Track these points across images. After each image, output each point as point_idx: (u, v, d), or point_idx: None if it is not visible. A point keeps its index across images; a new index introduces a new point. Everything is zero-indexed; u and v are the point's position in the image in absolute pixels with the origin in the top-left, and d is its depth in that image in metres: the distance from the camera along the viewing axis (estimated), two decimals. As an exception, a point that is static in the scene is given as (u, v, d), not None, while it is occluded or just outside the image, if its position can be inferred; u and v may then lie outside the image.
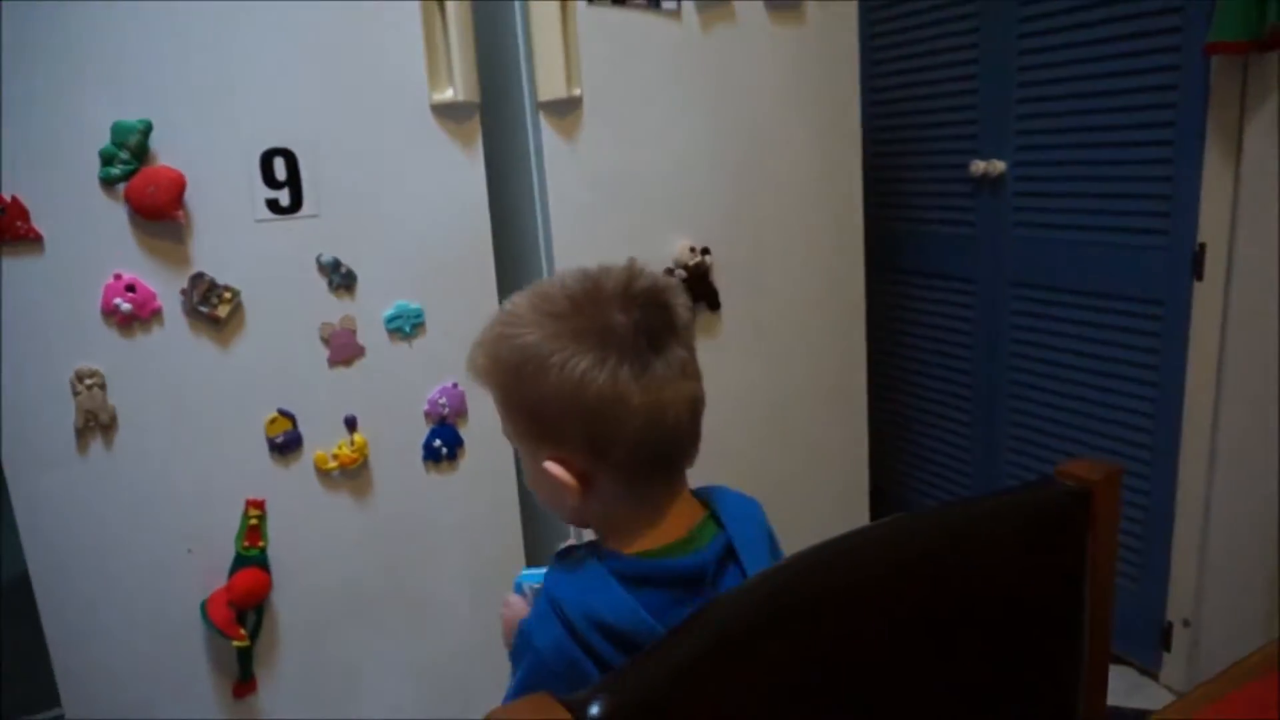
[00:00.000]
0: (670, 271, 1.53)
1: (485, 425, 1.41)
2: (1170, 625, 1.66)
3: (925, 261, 2.06)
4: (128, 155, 1.15)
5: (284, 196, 1.24)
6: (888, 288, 2.11)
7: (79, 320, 1.16)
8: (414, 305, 1.34)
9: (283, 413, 1.28)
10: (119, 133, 1.14)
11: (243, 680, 1.30)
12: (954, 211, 1.96)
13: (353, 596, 1.36)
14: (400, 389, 1.35)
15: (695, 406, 0.74)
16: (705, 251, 1.55)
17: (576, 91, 1.41)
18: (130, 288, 1.17)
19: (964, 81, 1.88)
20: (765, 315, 1.65)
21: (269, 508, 1.28)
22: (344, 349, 1.30)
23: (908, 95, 2.02)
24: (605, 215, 1.47)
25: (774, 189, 1.62)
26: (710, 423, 1.64)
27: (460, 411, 1.40)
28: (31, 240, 1.12)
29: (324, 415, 1.31)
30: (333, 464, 1.31)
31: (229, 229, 1.22)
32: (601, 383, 0.67)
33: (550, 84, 1.38)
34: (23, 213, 1.11)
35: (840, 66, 1.66)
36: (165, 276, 1.19)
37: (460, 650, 1.46)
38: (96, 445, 1.18)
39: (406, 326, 1.34)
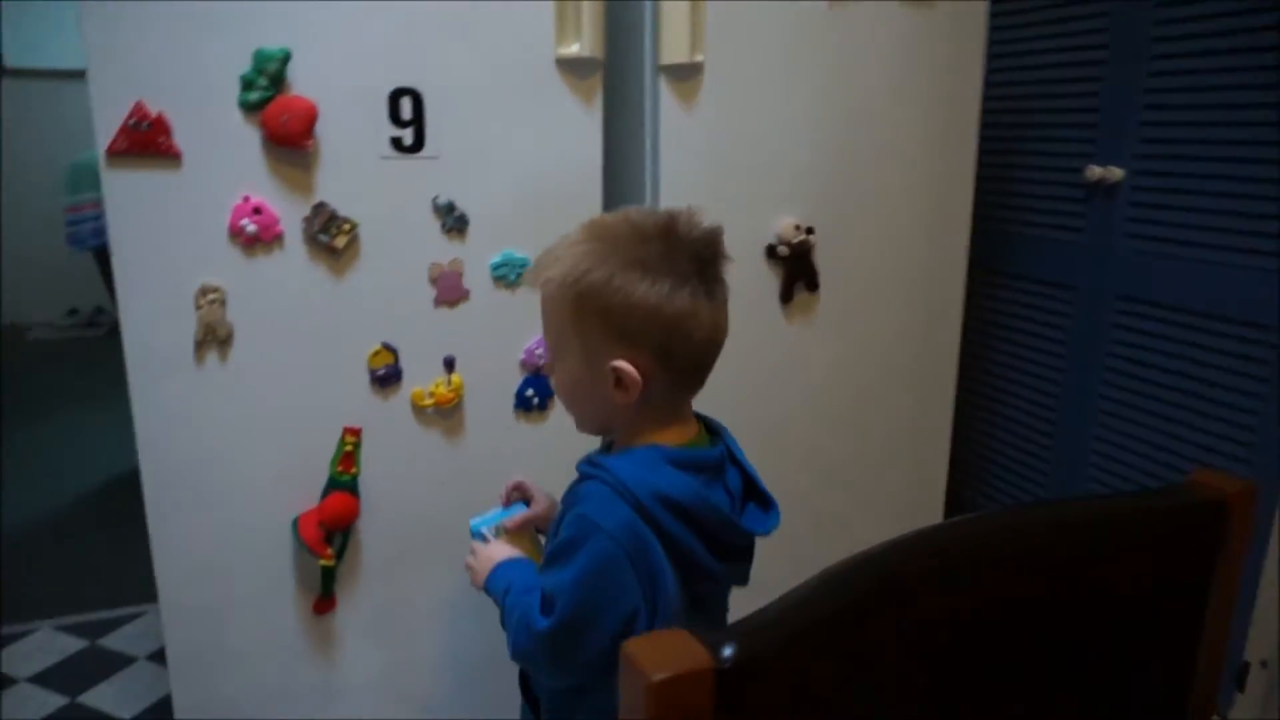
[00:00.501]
0: (772, 248, 1.53)
1: (576, 380, 1.43)
2: (1247, 665, 1.61)
3: (1025, 264, 2.01)
4: (266, 82, 1.18)
5: (408, 136, 1.27)
6: (984, 286, 2.07)
7: (207, 237, 1.20)
8: (521, 255, 1.36)
9: (386, 346, 1.31)
10: (260, 60, 1.17)
11: (323, 598, 1.35)
12: (1062, 216, 1.91)
13: (434, 532, 1.40)
14: (499, 336, 1.37)
15: (726, 333, 0.89)
16: (810, 231, 1.54)
17: (699, 57, 1.40)
18: (257, 210, 1.21)
19: (1088, 83, 1.82)
20: (863, 301, 1.63)
21: (365, 437, 1.32)
22: (450, 291, 1.33)
23: (1026, 92, 1.97)
24: (715, 184, 1.47)
25: (885, 175, 1.60)
26: (797, 403, 1.65)
27: (554, 364, 1.42)
28: (171, 157, 1.17)
29: (425, 353, 1.34)
30: (429, 401, 1.34)
31: (353, 163, 1.25)
32: (681, 301, 0.82)
33: (674, 47, 1.38)
34: (165, 129, 1.16)
35: (966, 57, 1.62)
36: (290, 203, 1.23)
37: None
38: (212, 358, 1.23)
39: (511, 275, 1.36)
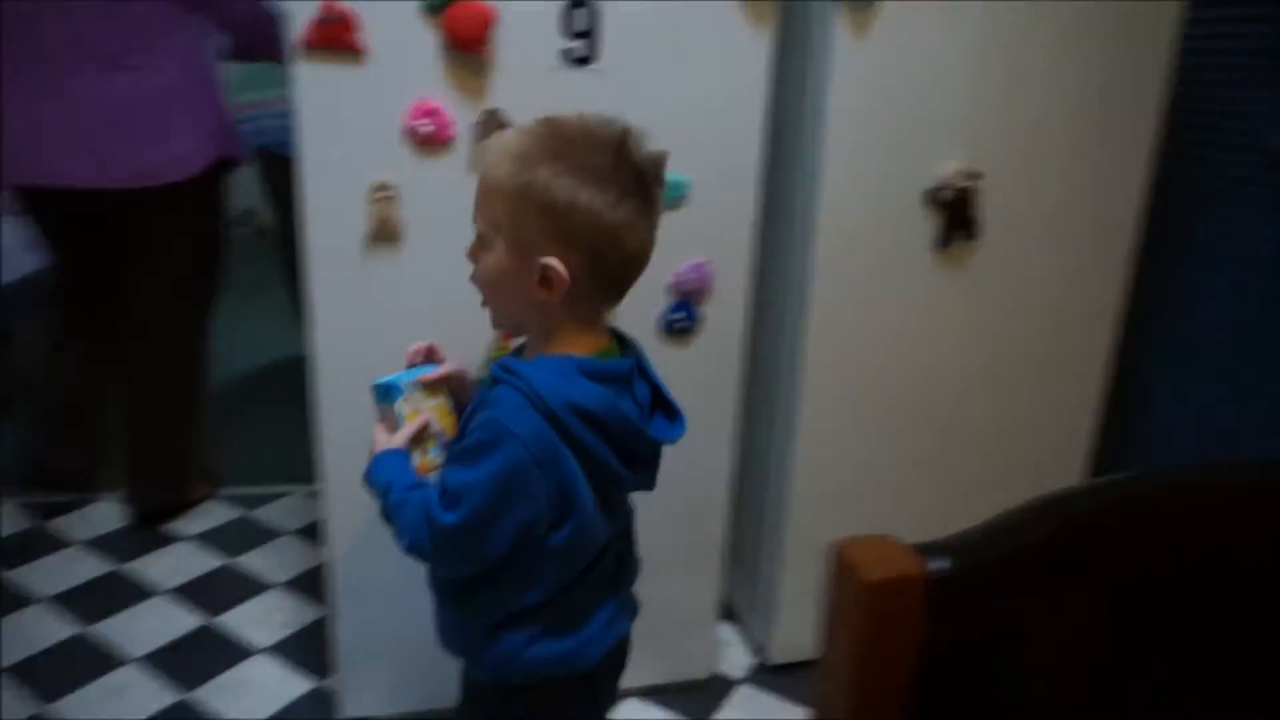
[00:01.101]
0: (932, 192, 1.47)
1: (726, 309, 1.43)
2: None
3: (1200, 234, 1.88)
4: (451, -16, 1.19)
5: (580, 48, 1.27)
6: (1151, 255, 1.95)
7: (383, 135, 1.23)
8: (681, 177, 1.35)
9: (542, 257, 1.33)
10: (447, -39, 1.18)
11: (463, 496, 1.41)
12: (1246, 184, 1.77)
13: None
14: (655, 256, 1.37)
15: (650, 254, 0.92)
16: (976, 176, 1.47)
17: (881, -15, 1.34)
18: (432, 112, 1.24)
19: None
20: (1022, 257, 1.56)
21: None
22: (608, 207, 1.33)
23: (1221, 64, 1.81)
24: (880, 120, 1.42)
25: (1060, 128, 1.51)
26: (942, 355, 1.60)
27: (704, 291, 1.41)
28: (354, 52, 1.20)
29: (578, 267, 1.35)
30: (578, 315, 1.36)
31: (525, 71, 1.25)
32: (623, 212, 0.85)
33: (856, -28, 1.33)
34: (350, 24, 1.19)
35: (1162, 12, 1.51)
36: (463, 106, 1.25)
37: (657, 520, 1.52)
38: (382, 252, 1.28)
39: (669, 198, 1.35)
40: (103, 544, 1.99)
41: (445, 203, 1.27)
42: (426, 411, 1.01)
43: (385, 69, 1.21)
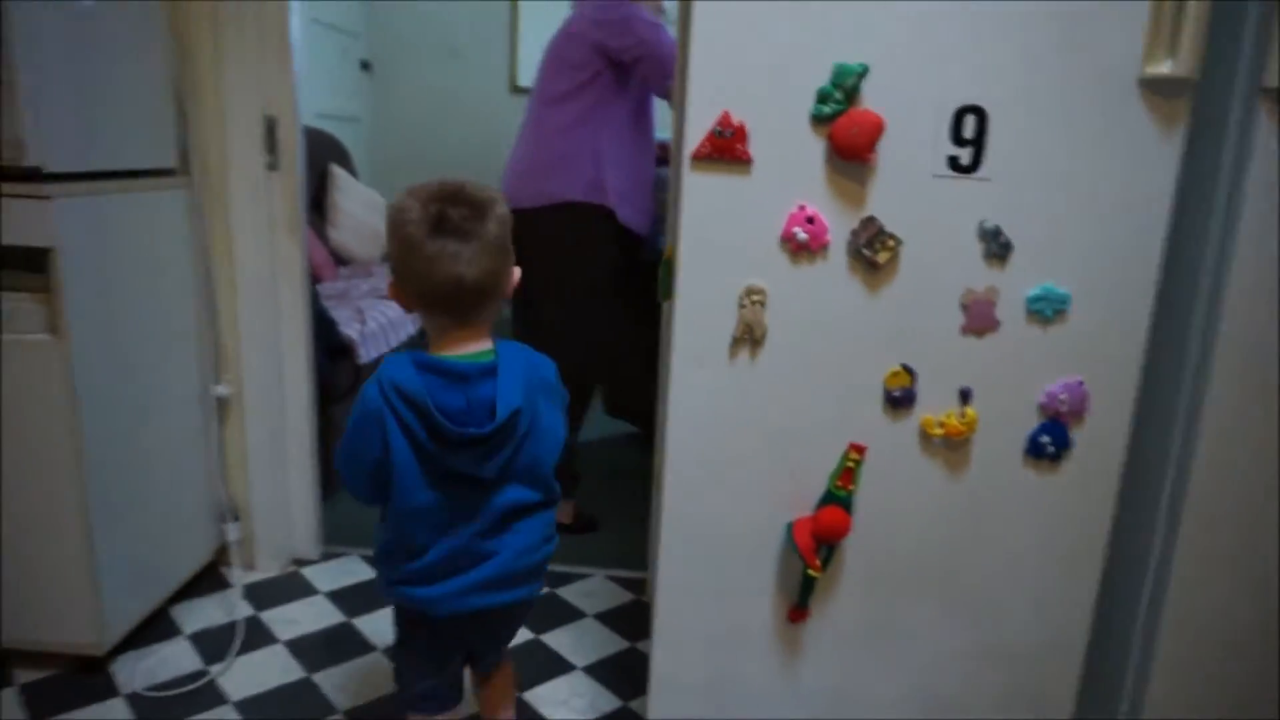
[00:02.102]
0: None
1: (1101, 433, 1.30)
2: None
3: None
4: (840, 96, 1.20)
5: (966, 155, 1.22)
6: None
7: (761, 241, 1.25)
8: (1061, 290, 1.25)
9: (905, 368, 1.28)
10: (839, 74, 1.19)
11: (800, 606, 1.36)
12: None
13: (920, 564, 1.35)
14: (1023, 373, 1.28)
15: (461, 281, 1.10)
16: None
17: (1316, 81, 1.19)
18: (810, 220, 1.24)
19: None
20: None
21: (869, 455, 1.30)
22: (980, 319, 1.26)
23: None
24: (1306, 232, 1.25)
25: None
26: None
27: (1079, 413, 1.29)
28: (743, 162, 1.23)
29: (942, 381, 1.29)
30: (938, 431, 1.29)
31: (907, 179, 1.23)
32: (408, 233, 1.09)
33: (1287, 69, 1.19)
34: (743, 137, 1.22)
35: None
36: (841, 214, 1.24)
37: (1008, 653, 1.39)
38: (743, 356, 1.28)
39: (1048, 310, 1.26)
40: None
41: (812, 308, 1.27)
42: None
43: (769, 177, 1.23)
